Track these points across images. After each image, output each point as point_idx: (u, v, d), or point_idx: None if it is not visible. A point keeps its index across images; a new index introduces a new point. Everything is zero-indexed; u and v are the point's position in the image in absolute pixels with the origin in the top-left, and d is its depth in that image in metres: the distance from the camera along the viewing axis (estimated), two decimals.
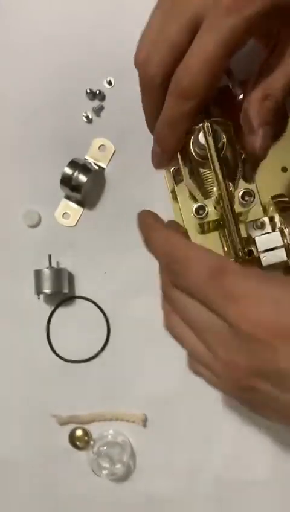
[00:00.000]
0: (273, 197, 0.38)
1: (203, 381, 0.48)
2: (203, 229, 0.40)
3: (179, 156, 0.39)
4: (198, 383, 0.48)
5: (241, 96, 0.36)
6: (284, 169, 0.44)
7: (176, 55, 0.34)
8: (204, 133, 0.34)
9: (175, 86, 0.34)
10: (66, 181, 0.47)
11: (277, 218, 0.36)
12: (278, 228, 0.36)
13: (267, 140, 0.36)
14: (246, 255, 0.33)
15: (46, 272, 0.47)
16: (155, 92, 0.36)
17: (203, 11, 0.32)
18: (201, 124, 0.35)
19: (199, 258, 0.30)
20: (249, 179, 0.39)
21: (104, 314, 0.49)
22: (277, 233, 0.36)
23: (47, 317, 0.50)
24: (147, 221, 0.36)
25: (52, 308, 0.50)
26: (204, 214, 0.36)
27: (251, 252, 0.35)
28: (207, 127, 0.34)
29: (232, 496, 0.47)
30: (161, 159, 0.38)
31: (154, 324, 0.48)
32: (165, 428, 0.48)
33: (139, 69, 0.36)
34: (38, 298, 0.49)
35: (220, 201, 0.34)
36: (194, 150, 0.36)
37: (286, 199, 0.37)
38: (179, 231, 0.35)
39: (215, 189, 0.35)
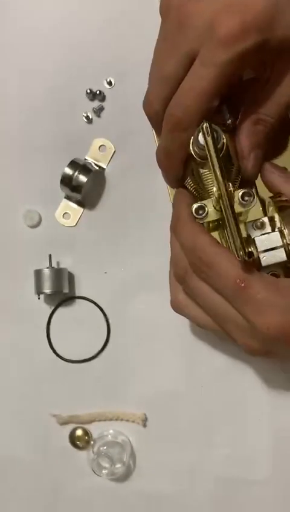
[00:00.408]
0: (272, 197, 0.38)
1: (203, 382, 0.48)
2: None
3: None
4: (198, 383, 0.48)
5: (229, 121, 0.37)
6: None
7: (174, 89, 0.35)
8: (203, 133, 0.34)
9: (169, 118, 0.35)
10: (66, 181, 0.47)
11: (276, 218, 0.36)
12: (278, 228, 0.36)
13: (258, 163, 0.37)
14: (246, 256, 0.33)
15: (46, 271, 0.47)
16: (161, 125, 0.37)
17: (198, 45, 0.33)
18: (201, 125, 0.35)
19: (226, 266, 0.34)
20: (249, 182, 0.39)
21: (104, 314, 0.49)
22: (277, 233, 0.36)
23: (47, 317, 0.50)
24: (182, 205, 0.38)
25: (52, 308, 0.50)
26: (204, 214, 0.36)
27: (251, 254, 0.36)
28: (206, 127, 0.34)
29: (232, 496, 0.47)
30: (169, 181, 0.41)
31: (154, 324, 0.48)
32: (165, 428, 0.48)
33: (145, 105, 0.37)
34: (39, 298, 0.49)
35: (220, 201, 0.34)
36: (194, 150, 0.36)
37: (285, 198, 0.37)
38: (204, 229, 0.36)
39: (215, 189, 0.35)
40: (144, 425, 0.48)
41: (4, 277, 0.51)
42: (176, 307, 0.40)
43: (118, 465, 0.47)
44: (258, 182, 0.43)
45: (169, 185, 0.42)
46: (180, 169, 0.38)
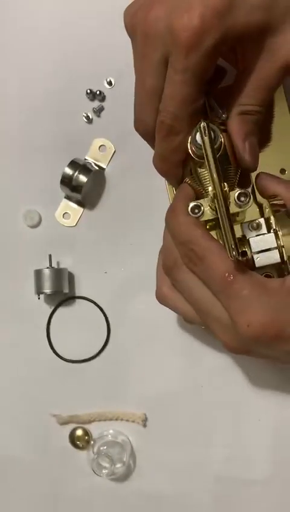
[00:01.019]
0: (269, 198, 0.38)
1: (203, 381, 0.48)
2: None
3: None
4: (198, 383, 0.48)
5: (224, 116, 0.37)
6: (282, 171, 0.45)
7: (158, 99, 0.35)
8: (200, 133, 0.34)
9: (160, 126, 0.35)
10: (66, 181, 0.47)
11: (272, 220, 0.36)
12: (273, 230, 0.36)
13: (255, 151, 0.37)
14: (239, 256, 0.33)
15: (46, 271, 0.47)
16: (154, 139, 0.37)
17: (167, 51, 0.33)
18: (198, 124, 0.35)
19: (216, 260, 0.34)
20: (246, 182, 0.39)
21: (104, 314, 0.49)
22: (272, 235, 0.36)
23: (47, 317, 0.50)
24: (179, 198, 0.38)
25: (52, 308, 0.50)
26: (200, 213, 0.36)
27: (245, 253, 0.36)
28: (203, 127, 0.34)
29: (232, 496, 0.47)
30: (170, 182, 0.41)
31: (154, 324, 0.48)
32: (165, 428, 0.48)
33: (135, 122, 0.38)
34: (39, 298, 0.49)
35: (215, 201, 0.34)
36: (192, 150, 0.36)
37: (281, 201, 0.37)
38: (199, 222, 0.36)
39: (210, 188, 0.35)
40: (144, 425, 0.48)
41: (4, 277, 0.51)
42: (161, 298, 0.40)
43: (118, 465, 0.47)
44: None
45: (172, 185, 0.42)
46: (178, 172, 0.38)
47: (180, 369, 0.48)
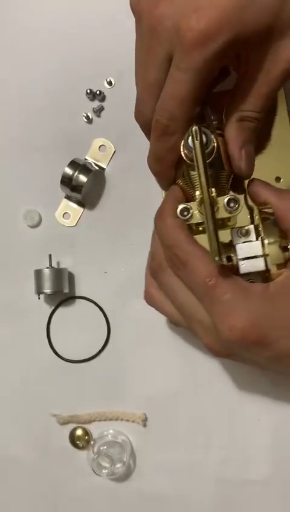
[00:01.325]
0: (259, 206, 0.38)
1: (203, 381, 0.48)
2: (191, 231, 0.40)
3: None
4: (198, 383, 0.48)
5: (215, 122, 0.37)
6: (277, 179, 0.45)
7: (159, 92, 0.34)
8: (192, 137, 0.34)
9: (156, 125, 0.35)
10: (66, 181, 0.47)
11: (260, 228, 0.36)
12: (261, 238, 0.36)
13: (251, 159, 0.37)
14: (221, 261, 0.33)
15: (46, 271, 0.48)
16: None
17: (172, 49, 0.32)
18: (191, 128, 0.35)
19: (198, 265, 0.34)
20: (240, 187, 0.39)
21: (104, 314, 0.49)
22: (258, 243, 0.36)
23: (47, 317, 0.50)
24: (168, 200, 0.38)
25: (52, 308, 0.50)
26: (188, 216, 0.36)
27: (229, 258, 0.36)
28: (195, 130, 0.34)
29: (232, 496, 0.47)
30: (161, 185, 0.41)
31: (154, 324, 0.48)
32: (165, 428, 0.48)
33: (135, 113, 0.38)
34: (39, 298, 0.49)
35: (202, 205, 0.34)
36: (184, 153, 0.36)
37: (270, 209, 0.37)
38: (184, 226, 0.36)
39: (197, 192, 0.35)
40: (144, 425, 0.48)
41: (4, 277, 0.51)
42: (148, 299, 0.41)
43: (118, 465, 0.47)
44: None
45: (162, 188, 0.42)
46: (171, 173, 0.38)
47: (180, 369, 0.48)
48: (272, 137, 0.44)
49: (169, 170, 0.38)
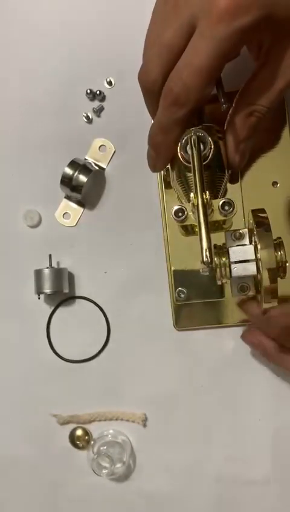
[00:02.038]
0: (253, 210, 0.38)
1: (203, 381, 0.48)
2: (187, 232, 0.40)
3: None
4: (198, 383, 0.48)
5: (224, 106, 0.36)
6: (274, 184, 0.45)
7: (174, 59, 0.33)
8: (189, 144, 0.35)
9: (167, 93, 0.34)
10: (66, 181, 0.47)
11: (255, 231, 0.36)
12: (254, 242, 0.36)
13: (247, 154, 0.37)
14: (211, 263, 0.33)
15: (46, 271, 0.47)
16: (157, 96, 0.35)
17: (198, 15, 0.31)
18: (188, 130, 0.35)
19: None
20: (234, 178, 0.39)
21: (104, 314, 0.49)
22: (251, 247, 0.36)
23: (47, 317, 0.50)
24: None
25: (52, 308, 0.50)
26: (183, 217, 0.36)
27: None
28: (193, 139, 0.34)
29: (232, 496, 0.47)
30: (156, 162, 0.39)
31: (154, 324, 0.48)
32: (165, 428, 0.48)
33: (140, 73, 0.36)
34: (39, 298, 0.49)
35: (195, 208, 0.34)
36: (181, 154, 0.36)
37: (264, 215, 0.37)
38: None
39: (192, 194, 0.35)
40: (144, 425, 0.48)
41: (4, 277, 0.51)
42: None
43: (118, 465, 0.47)
44: (249, 195, 0.43)
45: (155, 166, 0.39)
46: (172, 149, 0.37)
47: (180, 369, 0.48)
48: (270, 142, 0.44)
49: (172, 145, 0.36)
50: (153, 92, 0.35)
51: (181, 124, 0.35)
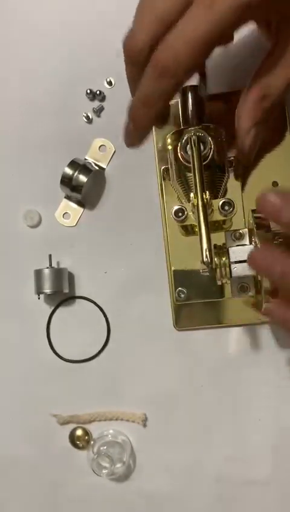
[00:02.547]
0: (253, 210, 0.38)
1: (203, 381, 0.48)
2: (187, 232, 0.40)
3: (168, 158, 0.39)
4: (198, 383, 0.48)
5: (204, 92, 0.35)
6: (275, 184, 0.45)
7: (165, 30, 0.31)
8: (190, 144, 0.34)
9: (155, 63, 0.31)
10: (66, 181, 0.47)
11: (255, 232, 0.36)
12: (254, 242, 0.36)
13: (257, 142, 0.36)
14: (211, 264, 0.33)
15: (46, 271, 0.47)
16: (141, 66, 0.33)
17: None
18: (188, 130, 0.35)
19: None
20: (239, 173, 0.39)
21: (104, 314, 0.49)
22: (251, 247, 0.36)
23: (47, 317, 0.50)
24: None
25: (52, 308, 0.50)
26: (183, 217, 0.36)
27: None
28: (193, 140, 0.34)
29: (232, 496, 0.47)
30: (133, 137, 0.36)
31: (154, 324, 0.48)
32: (165, 428, 0.48)
33: (127, 40, 0.33)
34: (39, 298, 0.49)
35: (195, 208, 0.34)
36: (181, 154, 0.36)
37: (265, 220, 0.37)
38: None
39: (192, 194, 0.35)
40: (144, 425, 0.48)
41: (4, 277, 0.51)
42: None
43: (118, 465, 0.47)
44: (249, 195, 0.43)
45: (131, 142, 0.37)
46: (152, 124, 0.35)
47: (180, 369, 0.48)
48: (270, 142, 0.44)
49: (152, 119, 0.34)
50: (137, 61, 0.33)
51: (166, 98, 0.33)
